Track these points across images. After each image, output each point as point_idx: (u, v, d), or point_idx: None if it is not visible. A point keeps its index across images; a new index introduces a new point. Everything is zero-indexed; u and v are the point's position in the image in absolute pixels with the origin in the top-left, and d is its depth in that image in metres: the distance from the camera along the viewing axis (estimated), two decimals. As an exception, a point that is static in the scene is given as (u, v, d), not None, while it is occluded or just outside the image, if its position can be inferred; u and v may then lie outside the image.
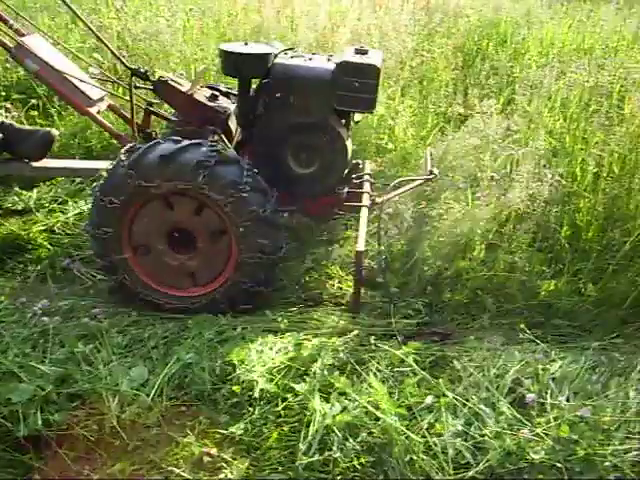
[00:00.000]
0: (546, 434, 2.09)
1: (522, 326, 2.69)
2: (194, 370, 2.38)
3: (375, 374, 2.33)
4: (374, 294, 3.00)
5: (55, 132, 3.29)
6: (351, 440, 2.08)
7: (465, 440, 2.09)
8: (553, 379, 2.33)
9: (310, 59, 2.81)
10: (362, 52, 2.79)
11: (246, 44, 2.85)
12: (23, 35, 3.05)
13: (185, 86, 2.96)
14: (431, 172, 3.16)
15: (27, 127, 3.40)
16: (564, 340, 2.73)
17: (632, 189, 3.11)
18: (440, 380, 2.31)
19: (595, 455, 2.05)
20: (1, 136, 3.16)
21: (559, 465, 2.00)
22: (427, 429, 2.12)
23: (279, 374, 2.34)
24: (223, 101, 2.99)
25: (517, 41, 5.11)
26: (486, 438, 2.08)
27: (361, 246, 2.63)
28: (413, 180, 3.15)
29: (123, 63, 3.16)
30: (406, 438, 2.07)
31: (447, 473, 1.99)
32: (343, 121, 2.90)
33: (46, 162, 3.23)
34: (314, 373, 2.32)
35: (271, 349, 2.46)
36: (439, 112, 4.22)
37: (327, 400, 2.22)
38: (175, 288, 2.79)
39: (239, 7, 5.45)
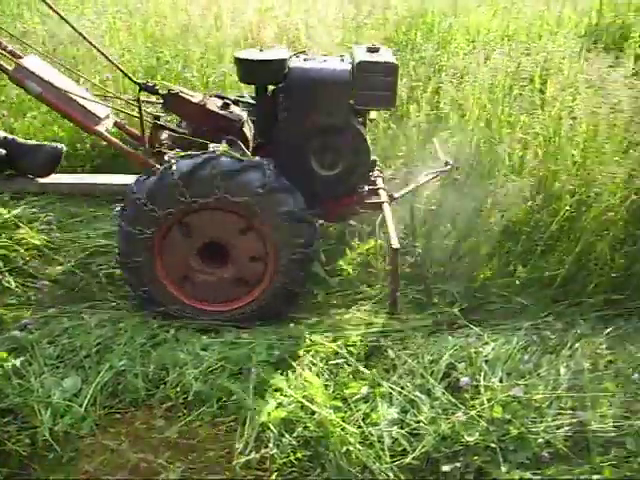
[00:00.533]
0: (480, 416, 2.12)
1: (456, 311, 2.73)
2: (127, 377, 2.34)
3: (310, 368, 2.33)
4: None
5: (62, 147, 3.13)
6: (287, 436, 2.07)
7: (401, 427, 2.11)
8: (486, 361, 2.36)
9: (325, 61, 2.74)
10: (374, 50, 2.74)
11: (261, 50, 2.76)
12: (20, 57, 2.88)
13: (196, 97, 2.85)
14: (446, 163, 3.15)
15: (31, 142, 3.21)
16: (497, 322, 2.76)
17: (557, 171, 3.17)
18: (375, 370, 2.32)
19: (528, 433, 2.09)
20: (4, 152, 2.98)
21: (493, 445, 2.03)
22: (363, 419, 2.13)
23: (213, 374, 2.32)
24: (234, 109, 2.87)
25: (444, 30, 5.16)
26: (421, 424, 2.10)
27: (396, 243, 2.59)
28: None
29: (130, 78, 3.00)
30: (342, 430, 2.07)
31: (384, 461, 2.01)
32: (361, 119, 2.85)
33: (55, 178, 3.06)
34: (249, 371, 2.31)
35: (205, 350, 2.44)
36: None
37: (263, 397, 2.21)
38: (220, 303, 2.71)
39: (166, 6, 5.37)
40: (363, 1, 5.83)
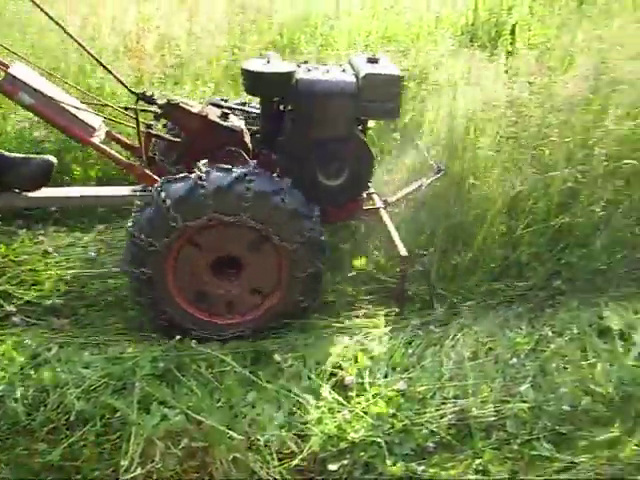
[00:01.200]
0: (365, 412, 2.15)
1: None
2: (6, 402, 2.25)
3: (196, 378, 2.30)
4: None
5: (53, 159, 2.91)
6: (173, 448, 2.03)
7: (288, 430, 2.11)
8: (371, 358, 2.40)
9: (328, 72, 2.70)
10: (374, 60, 2.75)
11: (268, 62, 2.69)
12: (7, 66, 2.70)
13: (195, 107, 2.79)
14: (439, 169, 3.16)
15: (18, 155, 2.94)
16: (388, 319, 2.80)
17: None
18: (261, 374, 2.31)
19: (413, 425, 2.13)
20: None
21: (379, 440, 2.06)
22: (250, 425, 2.12)
23: (96, 392, 2.25)
24: (233, 118, 2.83)
25: (326, 32, 5.21)
26: (308, 425, 2.11)
27: (404, 251, 2.69)
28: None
29: (127, 88, 2.88)
30: (228, 438, 2.05)
31: (272, 465, 2.00)
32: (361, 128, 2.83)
33: (44, 192, 2.84)
34: (132, 386, 2.26)
35: (87, 367, 2.36)
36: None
37: (147, 411, 2.16)
38: (222, 316, 2.64)
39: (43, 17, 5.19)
40: (249, 7, 5.83)
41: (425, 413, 2.17)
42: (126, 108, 2.88)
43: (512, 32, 4.08)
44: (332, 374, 2.34)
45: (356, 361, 2.38)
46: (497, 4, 5.66)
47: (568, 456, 2.12)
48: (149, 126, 2.85)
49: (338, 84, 2.64)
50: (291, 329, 2.60)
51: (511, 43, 4.09)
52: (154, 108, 2.77)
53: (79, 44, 2.81)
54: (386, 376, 2.32)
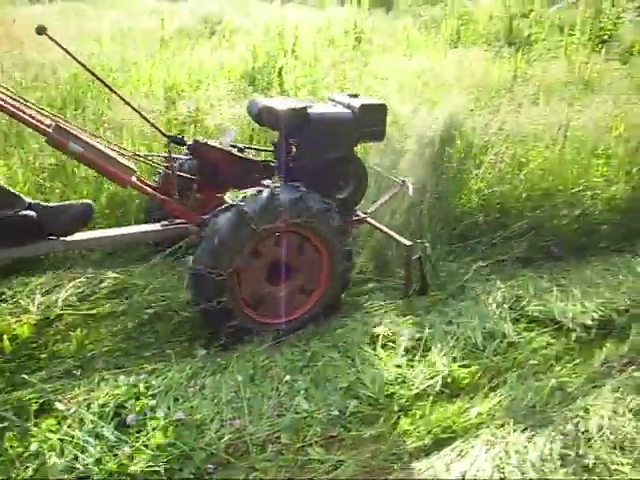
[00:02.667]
0: (145, 445, 2.25)
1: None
2: None
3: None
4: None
5: (92, 203, 3.08)
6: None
7: (70, 474, 2.16)
8: (153, 396, 2.51)
9: (328, 106, 3.30)
10: (354, 96, 3.35)
11: (285, 100, 3.33)
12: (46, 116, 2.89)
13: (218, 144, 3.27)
14: (403, 182, 3.67)
15: (56, 203, 3.08)
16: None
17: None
18: (44, 425, 2.35)
19: (192, 450, 2.26)
20: (35, 214, 2.87)
21: (158, 469, 2.18)
22: (31, 477, 2.15)
23: None
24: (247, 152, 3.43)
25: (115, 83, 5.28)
26: (89, 466, 2.18)
27: (407, 241, 3.34)
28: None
29: (160, 131, 3.23)
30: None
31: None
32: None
33: (80, 235, 3.00)
34: None
35: None
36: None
37: None
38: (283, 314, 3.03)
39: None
40: (33, 63, 5.77)
41: (204, 437, 2.31)
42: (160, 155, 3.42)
43: (279, 74, 4.40)
44: (115, 414, 2.42)
45: (139, 398, 2.48)
46: (275, 48, 6.04)
47: (337, 456, 2.35)
48: (171, 166, 3.12)
49: (340, 115, 3.19)
50: (74, 377, 2.66)
51: (280, 84, 4.40)
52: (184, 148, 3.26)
53: (110, 88, 3.08)
54: (168, 409, 2.44)
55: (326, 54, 6.12)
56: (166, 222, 3.16)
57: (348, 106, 3.25)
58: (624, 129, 4.55)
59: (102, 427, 2.34)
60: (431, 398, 2.65)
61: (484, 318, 3.14)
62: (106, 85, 3.05)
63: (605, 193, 4.16)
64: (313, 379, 2.67)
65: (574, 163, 4.27)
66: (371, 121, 3.25)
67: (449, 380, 2.74)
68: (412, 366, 2.82)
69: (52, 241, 2.94)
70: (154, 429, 2.31)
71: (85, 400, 2.47)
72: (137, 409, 2.42)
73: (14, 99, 2.87)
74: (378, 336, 3.01)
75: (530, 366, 2.86)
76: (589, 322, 3.16)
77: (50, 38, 2.81)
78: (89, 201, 3.12)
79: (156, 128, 3.23)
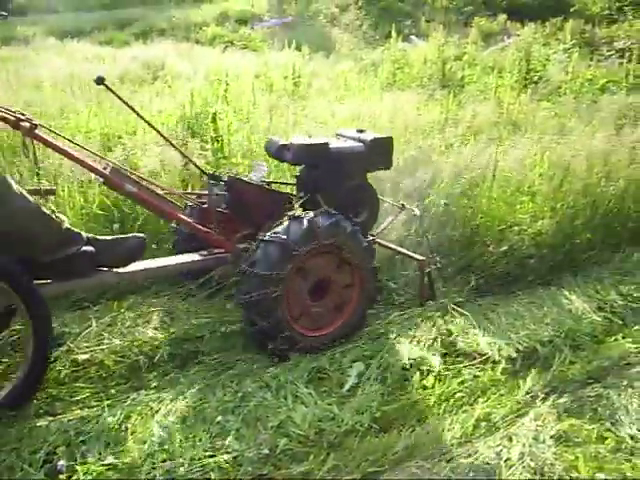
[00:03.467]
0: (75, 491, 2.27)
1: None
2: None
3: None
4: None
5: (144, 236, 3.24)
6: None
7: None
8: (84, 442, 2.52)
9: (344, 142, 3.65)
10: (362, 131, 3.74)
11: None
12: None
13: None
14: (403, 205, 4.04)
15: (110, 237, 3.20)
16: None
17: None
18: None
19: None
20: (93, 249, 3.01)
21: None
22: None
23: None
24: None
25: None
26: (16, 515, 2.18)
27: (419, 256, 3.79)
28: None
29: (199, 168, 3.67)
30: None
31: None
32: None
33: (130, 267, 3.15)
34: None
35: None
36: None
37: None
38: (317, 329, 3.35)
39: None
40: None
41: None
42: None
43: (213, 120, 4.50)
44: (45, 461, 2.43)
45: (69, 444, 2.49)
46: (212, 94, 6.16)
47: (266, 494, 2.40)
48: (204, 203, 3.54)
49: (354, 148, 3.58)
50: (5, 424, 2.65)
51: (214, 130, 4.49)
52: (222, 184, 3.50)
53: (154, 129, 3.50)
54: (99, 453, 2.46)
55: (264, 99, 6.26)
56: (204, 252, 3.41)
57: (359, 140, 3.64)
58: (548, 167, 4.76)
59: (32, 475, 2.35)
60: (360, 433, 2.71)
61: (412, 351, 3.23)
62: (160, 133, 3.54)
63: (531, 228, 4.32)
64: (244, 419, 2.72)
65: (501, 200, 4.44)
66: (381, 152, 3.67)
67: (378, 415, 2.81)
68: (343, 402, 2.88)
69: (105, 273, 3.10)
70: (85, 474, 2.33)
71: (14, 449, 2.48)
72: (68, 455, 2.44)
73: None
74: (318, 371, 3.09)
75: (457, 399, 2.95)
76: (514, 354, 3.28)
77: (108, 88, 3.16)
78: (141, 234, 3.28)
79: (197, 167, 3.70)
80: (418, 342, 3.33)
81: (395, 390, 3.00)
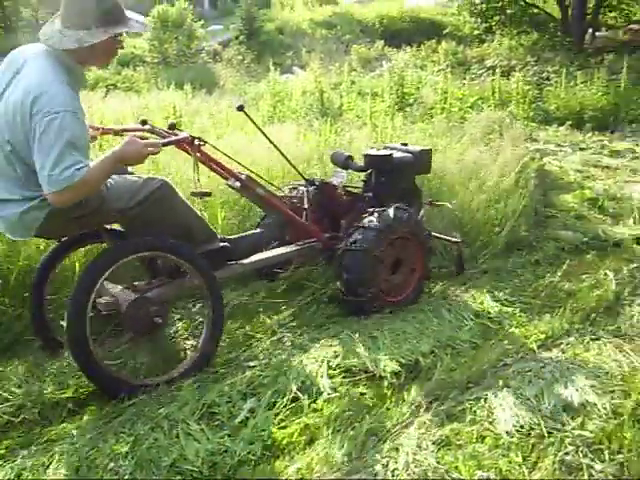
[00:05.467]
0: None
1: None
2: None
3: None
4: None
5: (261, 232, 4.13)
6: None
7: None
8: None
9: (393, 151, 4.59)
10: (405, 144, 4.77)
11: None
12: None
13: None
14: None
15: (234, 236, 4.04)
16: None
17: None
18: None
19: None
20: (228, 245, 3.71)
21: None
22: None
23: None
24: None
25: None
26: None
27: (456, 239, 4.81)
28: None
29: (302, 175, 4.44)
30: None
31: None
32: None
33: (250, 259, 3.85)
34: None
35: None
36: None
37: None
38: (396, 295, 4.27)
39: None
40: None
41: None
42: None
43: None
44: None
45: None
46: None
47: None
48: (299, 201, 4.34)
49: (407, 158, 4.52)
50: None
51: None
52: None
53: (263, 133, 4.18)
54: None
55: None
56: (300, 243, 4.13)
57: (407, 151, 4.57)
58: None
59: None
60: (253, 462, 2.77)
61: (301, 375, 3.32)
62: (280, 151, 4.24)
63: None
64: (137, 462, 2.73)
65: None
66: (425, 160, 4.66)
67: (269, 442, 2.88)
68: (235, 434, 2.93)
69: (234, 265, 3.76)
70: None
71: None
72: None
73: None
74: (209, 406, 3.13)
75: (345, 418, 3.05)
76: (398, 368, 3.42)
77: (246, 115, 3.93)
78: (258, 230, 4.17)
79: (299, 173, 4.42)
80: (305, 367, 3.41)
81: (286, 416, 3.07)
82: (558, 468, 2.69)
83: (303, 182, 4.43)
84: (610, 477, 2.65)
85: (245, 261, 3.80)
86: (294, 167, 4.37)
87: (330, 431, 2.94)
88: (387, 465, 2.69)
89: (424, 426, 2.94)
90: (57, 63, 2.92)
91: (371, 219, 4.03)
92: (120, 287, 3.43)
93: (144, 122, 3.86)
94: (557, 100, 11.50)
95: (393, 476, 2.64)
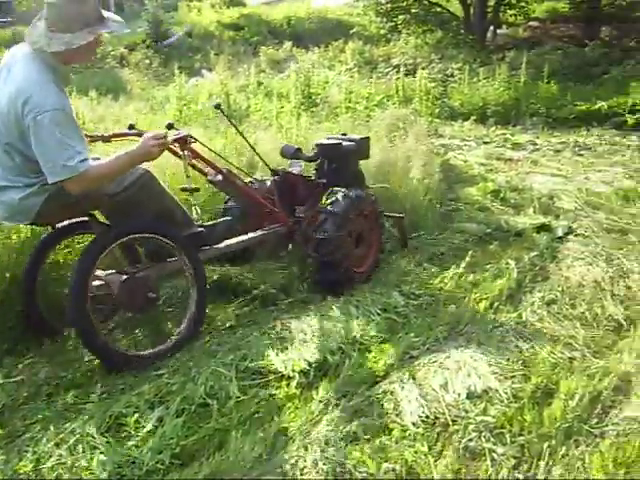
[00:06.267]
0: None
1: None
2: None
3: None
4: None
5: (234, 220, 4.45)
6: None
7: None
8: None
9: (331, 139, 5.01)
10: (345, 134, 5.19)
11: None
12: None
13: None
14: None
15: (208, 222, 4.38)
16: None
17: None
18: None
19: None
20: (203, 230, 4.05)
21: None
22: None
23: None
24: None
25: None
26: None
27: (398, 214, 5.28)
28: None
29: (268, 166, 4.77)
30: None
31: None
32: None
33: (223, 243, 4.20)
34: None
35: None
36: None
37: None
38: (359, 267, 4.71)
39: None
40: None
41: None
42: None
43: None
44: None
45: None
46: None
47: None
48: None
49: (351, 146, 4.86)
50: None
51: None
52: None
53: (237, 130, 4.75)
54: None
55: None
56: (266, 228, 4.48)
57: (351, 139, 4.94)
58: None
59: None
60: (162, 472, 2.74)
61: (210, 380, 3.30)
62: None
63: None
64: (39, 482, 2.66)
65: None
66: (365, 147, 5.02)
67: (177, 450, 2.84)
68: (143, 444, 2.88)
69: (209, 250, 4.07)
70: None
71: None
72: None
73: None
74: (116, 418, 3.07)
75: (255, 420, 3.05)
76: (307, 367, 3.43)
77: (222, 112, 4.55)
78: (229, 218, 4.45)
79: (266, 165, 4.78)
80: (216, 369, 3.39)
81: (195, 422, 3.04)
82: (462, 455, 2.77)
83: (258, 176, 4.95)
84: (511, 459, 2.74)
85: (219, 245, 4.14)
86: (262, 160, 4.78)
87: (239, 434, 2.94)
88: (296, 464, 2.71)
89: (332, 423, 2.97)
90: (43, 64, 3.16)
91: (337, 201, 4.50)
92: (108, 271, 3.64)
93: (132, 126, 4.21)
94: (461, 96, 11.81)
95: (302, 475, 2.65)
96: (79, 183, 3.13)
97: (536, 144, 9.58)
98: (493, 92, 11.67)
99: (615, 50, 14.85)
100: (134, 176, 3.52)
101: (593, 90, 11.81)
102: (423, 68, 12.99)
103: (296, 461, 2.73)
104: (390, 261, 5.05)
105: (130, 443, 2.89)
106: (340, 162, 4.80)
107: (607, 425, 2.98)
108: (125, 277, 3.57)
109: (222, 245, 4.16)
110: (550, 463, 2.73)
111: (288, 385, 3.32)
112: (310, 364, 3.46)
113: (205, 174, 4.22)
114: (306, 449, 2.80)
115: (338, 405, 3.13)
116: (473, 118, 10.79)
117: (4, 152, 3.20)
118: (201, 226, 4.06)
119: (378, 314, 4.03)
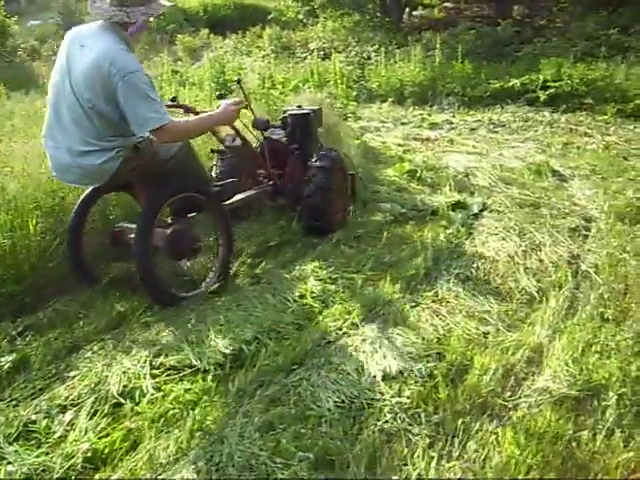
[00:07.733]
0: None
1: None
2: None
3: None
4: None
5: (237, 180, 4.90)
6: None
7: None
8: None
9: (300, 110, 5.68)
10: (300, 106, 5.79)
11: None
12: None
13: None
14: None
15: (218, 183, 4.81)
16: None
17: None
18: None
19: None
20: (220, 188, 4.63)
21: None
22: None
23: None
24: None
25: None
26: None
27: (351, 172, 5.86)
28: None
29: (252, 133, 5.16)
30: None
31: None
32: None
33: (230, 200, 4.67)
34: None
35: None
36: None
37: None
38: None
39: None
40: None
41: None
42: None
43: None
44: None
45: None
46: None
47: None
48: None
49: (314, 115, 5.61)
50: None
51: None
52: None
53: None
54: None
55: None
56: (257, 187, 5.11)
57: (311, 110, 5.61)
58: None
59: None
60: (74, 477, 2.65)
61: (123, 379, 3.22)
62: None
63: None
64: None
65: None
66: (320, 117, 5.79)
67: (90, 454, 2.76)
68: (54, 450, 2.79)
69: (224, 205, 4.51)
70: None
71: None
72: None
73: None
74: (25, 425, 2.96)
75: (170, 416, 2.99)
76: (222, 359, 3.38)
77: (241, 88, 4.97)
78: (236, 179, 4.79)
79: (254, 136, 5.22)
80: (127, 369, 3.31)
81: (108, 424, 2.96)
82: (378, 437, 2.78)
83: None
84: (426, 439, 2.77)
85: (230, 201, 4.64)
86: (252, 133, 5.14)
87: (154, 432, 2.88)
88: (211, 459, 2.67)
89: (248, 414, 2.94)
90: (117, 36, 3.62)
91: (322, 161, 5.20)
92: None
93: (174, 99, 4.75)
94: (379, 78, 11.87)
95: (217, 470, 2.62)
96: (169, 133, 3.59)
97: (452, 123, 9.72)
98: (409, 73, 11.78)
99: (526, 29, 15.16)
100: (177, 145, 4.02)
101: (506, 68, 12.02)
102: (340, 52, 13.01)
103: (211, 456, 2.69)
104: (308, 244, 5.04)
105: (40, 450, 2.80)
106: (308, 129, 5.53)
107: (520, 397, 3.04)
108: (169, 231, 4.05)
109: (232, 201, 4.68)
110: (464, 439, 2.77)
111: (204, 379, 3.26)
112: (225, 356, 3.41)
113: (222, 141, 4.87)
114: (222, 443, 2.76)
115: (254, 396, 3.10)
116: (391, 99, 10.87)
117: (86, 117, 3.57)
118: (216, 185, 4.57)
119: (295, 301, 4.01)
